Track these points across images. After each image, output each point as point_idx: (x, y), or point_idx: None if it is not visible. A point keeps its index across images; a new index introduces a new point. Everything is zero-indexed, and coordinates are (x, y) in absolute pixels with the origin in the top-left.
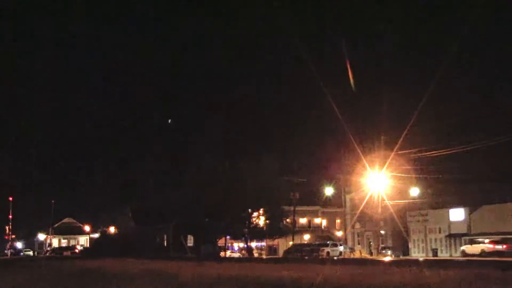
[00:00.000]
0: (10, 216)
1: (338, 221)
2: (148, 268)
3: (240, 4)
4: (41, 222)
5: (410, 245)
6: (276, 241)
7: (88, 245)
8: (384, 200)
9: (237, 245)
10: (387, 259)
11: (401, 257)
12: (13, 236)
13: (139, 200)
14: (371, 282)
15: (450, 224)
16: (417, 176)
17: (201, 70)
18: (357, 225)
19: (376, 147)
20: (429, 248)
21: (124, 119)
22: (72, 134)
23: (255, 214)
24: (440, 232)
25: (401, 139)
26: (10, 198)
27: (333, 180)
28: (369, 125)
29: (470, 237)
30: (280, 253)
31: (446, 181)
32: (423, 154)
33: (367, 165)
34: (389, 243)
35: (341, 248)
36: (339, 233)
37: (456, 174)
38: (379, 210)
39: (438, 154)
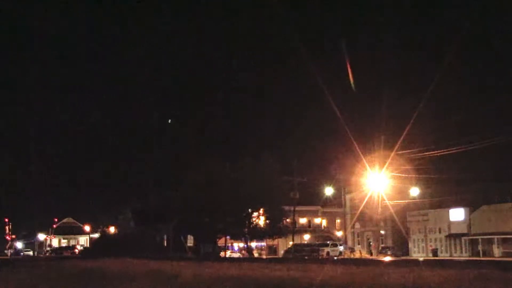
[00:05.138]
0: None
1: (338, 221)
2: (148, 268)
3: (240, 4)
4: (41, 222)
5: (410, 245)
6: (276, 241)
7: (88, 245)
8: (384, 200)
9: (237, 245)
10: (387, 259)
11: (401, 257)
12: (13, 236)
13: (139, 200)
14: (371, 282)
15: (450, 224)
16: (417, 176)
17: (201, 70)
18: (357, 225)
19: (376, 147)
20: (429, 248)
21: (124, 119)
22: (72, 134)
23: (255, 214)
24: (440, 232)
25: (401, 139)
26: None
27: (333, 180)
28: (369, 125)
29: (470, 237)
30: (280, 253)
31: (446, 181)
32: (423, 154)
33: (367, 165)
34: (389, 243)
35: (341, 248)
36: (339, 233)
37: (456, 174)
38: (379, 210)
39: (438, 154)
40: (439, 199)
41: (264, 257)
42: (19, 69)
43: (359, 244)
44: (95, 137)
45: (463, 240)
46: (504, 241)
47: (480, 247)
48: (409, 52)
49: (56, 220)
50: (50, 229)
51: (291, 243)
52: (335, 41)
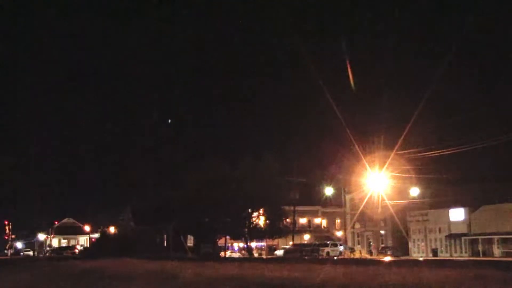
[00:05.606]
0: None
1: (338, 221)
2: (148, 268)
3: (240, 4)
4: (41, 222)
5: (410, 245)
6: (276, 241)
7: (88, 245)
8: (384, 200)
9: (237, 245)
10: (387, 259)
11: (401, 257)
12: (13, 236)
13: (139, 200)
14: (371, 282)
15: (450, 224)
16: (417, 176)
17: (201, 70)
18: (357, 225)
19: (376, 147)
20: (429, 248)
21: (124, 119)
22: (72, 134)
23: (255, 214)
24: (440, 232)
25: (401, 139)
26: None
27: (333, 180)
28: (369, 125)
29: (470, 237)
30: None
31: (446, 181)
32: (423, 154)
33: (367, 165)
34: (389, 243)
35: (341, 248)
36: (339, 233)
37: (456, 174)
38: (379, 210)
39: (438, 154)
40: (439, 199)
41: (264, 257)
42: (19, 69)
43: (359, 244)
44: (95, 137)
45: (463, 240)
46: (504, 241)
47: (480, 247)
48: (409, 52)
49: (56, 220)
50: (50, 229)
51: (291, 243)
52: (335, 41)
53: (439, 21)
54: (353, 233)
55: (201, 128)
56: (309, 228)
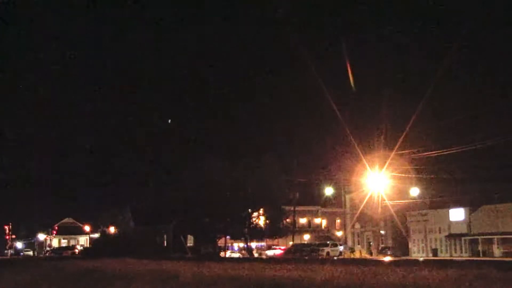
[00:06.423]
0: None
1: (338, 221)
2: (148, 268)
3: (240, 4)
4: (41, 222)
5: (410, 245)
6: (276, 241)
7: (88, 245)
8: (384, 200)
9: (237, 245)
10: (387, 259)
11: (401, 257)
12: (13, 236)
13: (139, 200)
14: (371, 282)
15: (450, 224)
16: (417, 176)
17: (201, 70)
18: (357, 225)
19: (376, 147)
20: (429, 248)
21: (124, 119)
22: (71, 135)
23: (255, 214)
24: (440, 232)
25: (401, 139)
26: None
27: (333, 180)
28: (369, 125)
29: (470, 237)
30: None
31: (446, 181)
32: (423, 154)
33: (367, 165)
34: (389, 243)
35: (341, 248)
36: (339, 233)
37: (456, 174)
38: (379, 210)
39: (438, 154)
40: (439, 199)
41: (264, 257)
42: (20, 69)
43: (359, 244)
44: (95, 137)
45: (463, 240)
46: (504, 241)
47: (480, 247)
48: (409, 52)
49: (56, 220)
50: (50, 229)
51: (291, 243)
52: (335, 41)
53: (439, 21)
54: (353, 233)
55: (201, 128)
56: (309, 228)
